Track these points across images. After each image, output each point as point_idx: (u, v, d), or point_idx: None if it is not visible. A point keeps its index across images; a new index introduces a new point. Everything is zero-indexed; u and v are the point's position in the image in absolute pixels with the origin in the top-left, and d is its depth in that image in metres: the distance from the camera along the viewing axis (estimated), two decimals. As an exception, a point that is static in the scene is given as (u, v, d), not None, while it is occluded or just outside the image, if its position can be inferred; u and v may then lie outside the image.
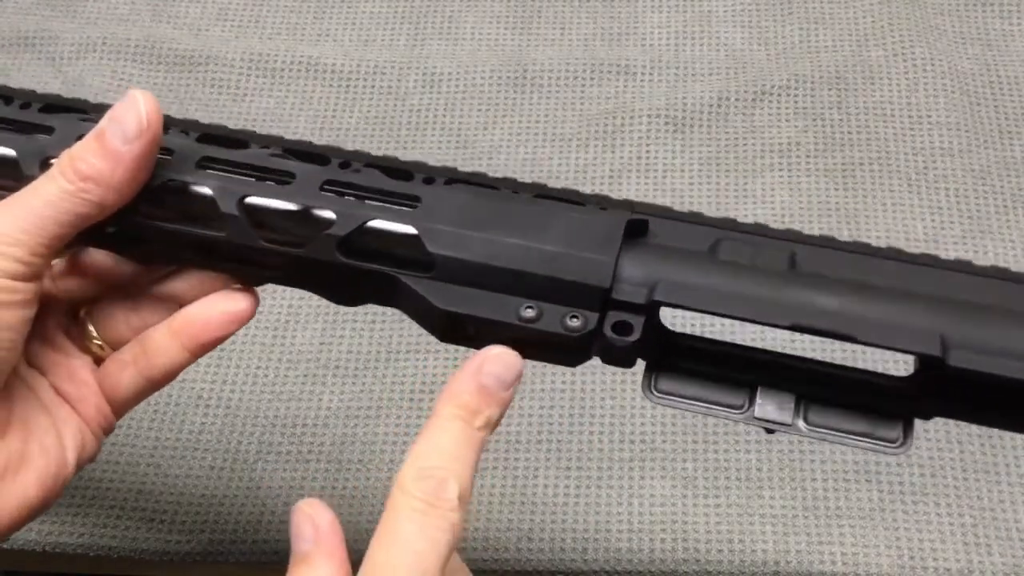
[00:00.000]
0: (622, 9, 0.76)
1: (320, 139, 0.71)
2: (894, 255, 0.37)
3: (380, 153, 0.70)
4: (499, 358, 0.36)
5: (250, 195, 0.38)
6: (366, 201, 0.38)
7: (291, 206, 0.38)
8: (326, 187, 0.39)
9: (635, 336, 0.35)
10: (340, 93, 0.73)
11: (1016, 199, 0.66)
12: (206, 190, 0.39)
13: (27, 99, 0.42)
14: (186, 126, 0.41)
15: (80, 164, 0.37)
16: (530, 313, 0.36)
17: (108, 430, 0.42)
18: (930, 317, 0.35)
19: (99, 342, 0.42)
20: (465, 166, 0.69)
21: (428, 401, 0.60)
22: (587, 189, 0.68)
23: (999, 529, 0.54)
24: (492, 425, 0.36)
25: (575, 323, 0.36)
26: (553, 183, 0.69)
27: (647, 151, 0.69)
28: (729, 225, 0.38)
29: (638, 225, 0.37)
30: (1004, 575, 0.53)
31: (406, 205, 0.38)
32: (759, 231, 0.38)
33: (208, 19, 0.78)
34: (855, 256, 0.37)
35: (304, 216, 0.38)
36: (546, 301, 0.36)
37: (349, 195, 0.39)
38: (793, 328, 0.35)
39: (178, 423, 0.59)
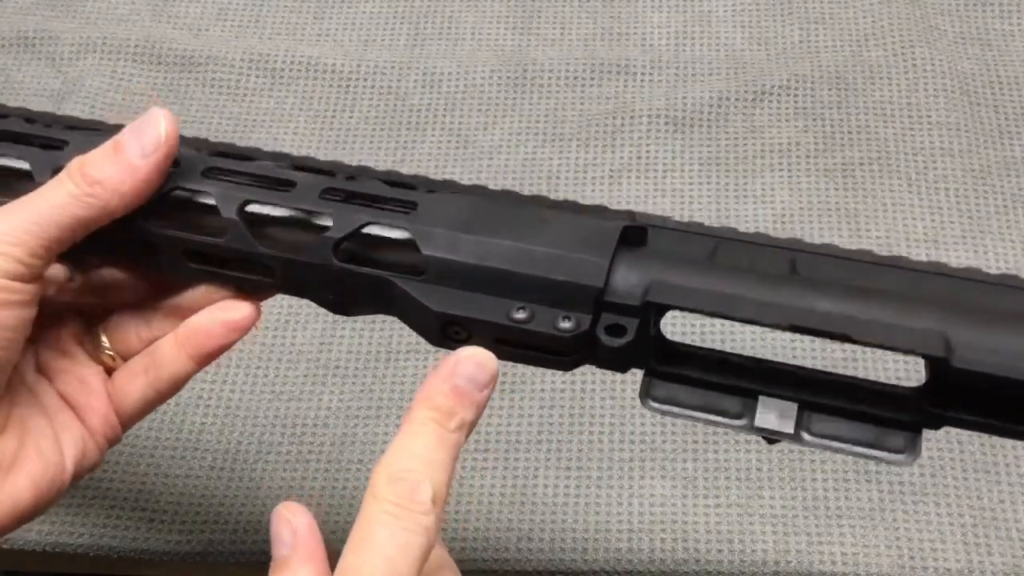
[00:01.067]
0: (622, 9, 0.76)
1: (320, 139, 0.71)
2: (899, 263, 0.36)
3: (380, 153, 0.71)
4: (472, 359, 0.36)
5: (251, 201, 0.39)
6: (363, 207, 0.39)
7: (290, 212, 0.39)
8: (325, 195, 0.39)
9: (628, 338, 0.35)
10: (340, 93, 0.73)
11: (1016, 199, 0.66)
12: (209, 198, 0.39)
13: (49, 121, 0.42)
14: (197, 144, 0.41)
15: (91, 169, 0.37)
16: (522, 315, 0.35)
17: (113, 440, 0.42)
18: (934, 319, 0.34)
19: (111, 352, 0.42)
20: (465, 166, 0.69)
21: (428, 401, 0.60)
22: (587, 189, 0.68)
23: (999, 529, 0.54)
24: (467, 427, 0.36)
25: (567, 324, 0.35)
26: (553, 183, 0.69)
27: (647, 151, 0.69)
28: (729, 234, 0.37)
29: (636, 232, 0.37)
30: (1004, 575, 0.53)
31: (402, 211, 0.38)
32: (760, 239, 0.37)
33: (208, 19, 0.78)
34: (858, 263, 0.36)
35: (303, 223, 0.39)
36: (539, 303, 0.35)
37: (347, 202, 0.39)
38: (792, 329, 0.34)
39: (178, 423, 0.59)
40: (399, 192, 0.39)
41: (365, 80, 0.74)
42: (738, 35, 0.75)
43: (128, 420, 0.42)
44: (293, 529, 0.36)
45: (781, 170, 0.68)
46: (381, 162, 0.70)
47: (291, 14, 0.78)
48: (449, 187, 0.40)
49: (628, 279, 0.35)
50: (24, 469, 0.39)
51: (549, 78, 0.73)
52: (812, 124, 0.70)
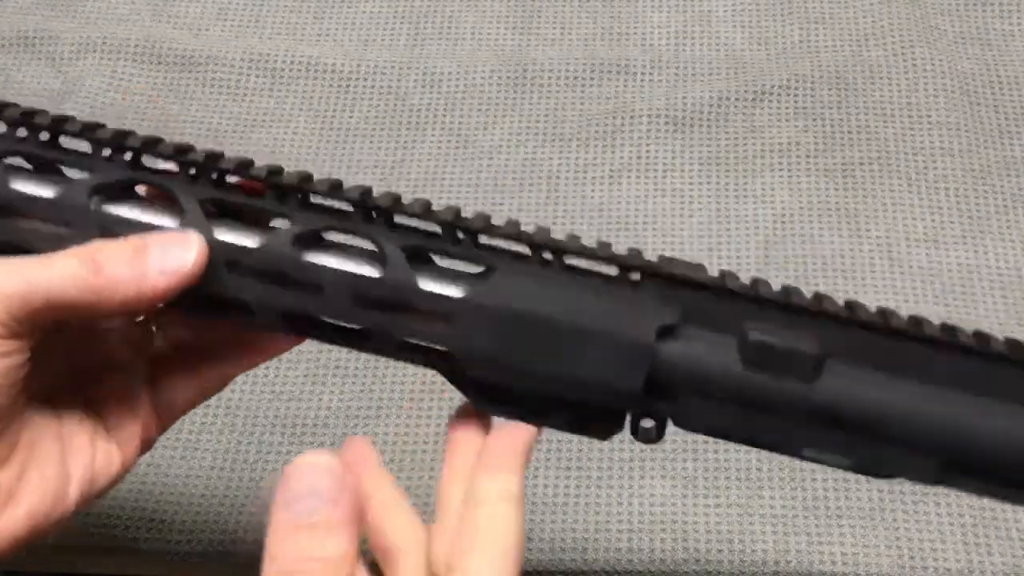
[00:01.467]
0: (622, 9, 0.77)
1: (320, 139, 0.71)
2: (917, 329, 0.37)
3: (380, 153, 0.70)
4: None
5: (286, 309, 0.38)
6: (398, 315, 0.38)
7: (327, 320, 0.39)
8: (357, 304, 0.38)
9: (660, 439, 0.39)
10: (340, 93, 0.73)
11: (1016, 199, 0.66)
12: (242, 299, 0.38)
13: (29, 119, 0.40)
14: (194, 191, 0.39)
15: (103, 258, 0.36)
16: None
17: (148, 445, 0.41)
18: (933, 440, 0.36)
19: (163, 345, 0.42)
20: (465, 166, 0.69)
21: (428, 401, 0.60)
22: (587, 189, 0.68)
23: (999, 529, 0.54)
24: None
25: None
26: (553, 183, 0.69)
27: (647, 151, 0.69)
28: (754, 294, 0.37)
29: (667, 328, 0.37)
30: (1004, 575, 0.53)
31: (440, 321, 0.38)
32: (787, 299, 0.37)
33: (208, 19, 0.78)
34: (883, 353, 0.37)
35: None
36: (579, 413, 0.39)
37: (380, 311, 0.38)
38: (802, 459, 0.37)
39: (178, 423, 0.59)
40: (430, 299, 0.37)
41: (365, 80, 0.74)
42: (738, 35, 0.75)
43: (169, 419, 0.42)
44: (342, 485, 0.33)
45: (781, 170, 0.68)
46: (381, 162, 0.70)
47: (291, 14, 0.78)
48: (478, 223, 0.38)
49: (660, 386, 0.37)
50: (24, 500, 0.37)
51: (549, 78, 0.73)
52: (812, 124, 0.70)
